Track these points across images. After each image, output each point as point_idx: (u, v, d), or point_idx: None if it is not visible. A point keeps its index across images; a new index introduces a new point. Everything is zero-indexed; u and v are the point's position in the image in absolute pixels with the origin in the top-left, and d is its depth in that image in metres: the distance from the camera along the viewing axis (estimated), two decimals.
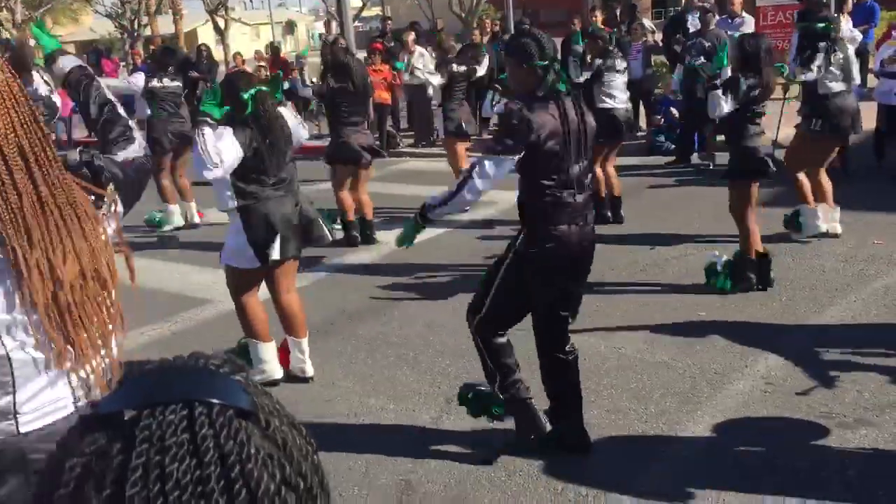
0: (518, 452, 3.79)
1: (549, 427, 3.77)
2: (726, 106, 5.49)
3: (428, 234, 7.94)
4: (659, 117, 11.14)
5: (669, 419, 4.11)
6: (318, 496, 0.72)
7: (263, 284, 4.77)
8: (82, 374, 1.74)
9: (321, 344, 5.33)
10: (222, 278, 4.86)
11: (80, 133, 16.38)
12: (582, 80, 7.66)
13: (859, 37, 10.42)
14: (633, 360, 4.82)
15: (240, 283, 4.66)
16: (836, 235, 6.72)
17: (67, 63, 2.42)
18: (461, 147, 8.67)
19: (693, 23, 11.06)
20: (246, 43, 35.04)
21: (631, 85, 9.66)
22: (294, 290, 4.85)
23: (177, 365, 0.73)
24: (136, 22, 27.61)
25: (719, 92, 5.49)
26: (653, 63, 12.03)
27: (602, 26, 10.37)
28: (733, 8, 10.85)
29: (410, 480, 3.72)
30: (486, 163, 3.49)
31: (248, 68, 16.03)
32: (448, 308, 5.82)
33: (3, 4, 27.00)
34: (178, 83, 8.83)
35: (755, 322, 5.26)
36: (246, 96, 4.43)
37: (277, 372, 4.76)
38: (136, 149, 2.11)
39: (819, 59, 6.40)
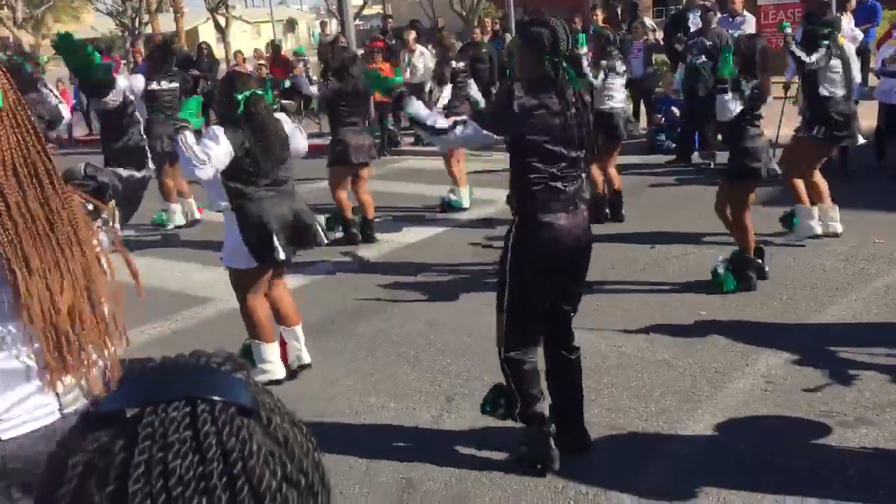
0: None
1: (557, 460, 3.69)
2: (735, 107, 5.49)
3: (428, 232, 8.00)
4: (660, 116, 11.14)
5: (670, 418, 4.11)
6: (320, 493, 0.72)
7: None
8: (76, 385, 1.73)
9: (322, 342, 5.34)
10: (224, 276, 4.87)
11: (80, 132, 16.40)
12: (599, 81, 7.58)
13: (860, 36, 10.42)
14: (633, 358, 4.82)
15: (243, 283, 4.67)
16: (836, 234, 6.72)
17: (120, 90, 2.25)
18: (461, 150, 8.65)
19: (694, 21, 11.05)
20: (247, 41, 35.05)
21: (632, 84, 9.67)
22: (282, 283, 4.93)
23: (178, 363, 0.74)
24: (137, 20, 27.58)
25: (727, 95, 5.50)
26: (654, 62, 12.03)
27: (603, 25, 10.36)
28: (734, 6, 10.84)
29: (411, 478, 3.73)
30: (471, 127, 3.60)
31: (249, 67, 16.09)
32: (449, 306, 5.83)
33: (3, 2, 26.99)
34: (175, 84, 8.78)
35: (756, 321, 5.26)
36: (240, 97, 4.45)
37: (280, 372, 4.77)
38: (145, 172, 2.09)
39: (821, 53, 6.40)
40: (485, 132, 3.58)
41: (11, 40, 25.43)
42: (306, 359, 4.93)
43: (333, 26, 18.60)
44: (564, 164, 3.53)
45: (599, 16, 11.39)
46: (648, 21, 13.21)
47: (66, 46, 2.57)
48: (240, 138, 4.40)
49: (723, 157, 7.34)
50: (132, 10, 27.49)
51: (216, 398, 0.68)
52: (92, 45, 3.03)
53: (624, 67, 8.00)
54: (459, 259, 6.93)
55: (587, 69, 7.51)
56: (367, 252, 7.45)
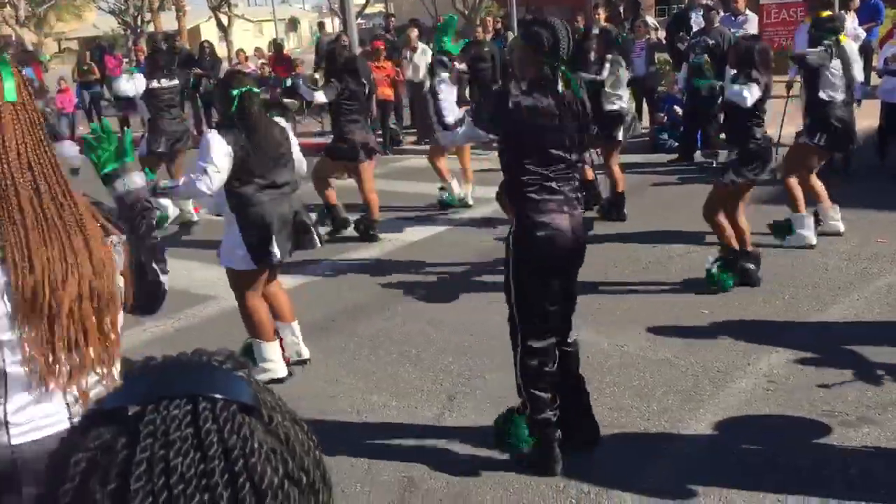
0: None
1: (559, 468, 3.66)
2: (750, 93, 5.47)
3: (430, 231, 8.00)
4: (662, 115, 11.14)
5: (672, 417, 4.11)
6: (321, 491, 0.72)
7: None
8: (75, 390, 1.73)
9: (323, 341, 5.35)
10: (225, 275, 4.87)
11: (83, 130, 16.43)
12: (603, 77, 7.57)
13: (863, 35, 10.42)
14: (635, 357, 4.82)
15: (242, 283, 4.68)
16: (838, 233, 6.71)
17: (135, 184, 2.10)
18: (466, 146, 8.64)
19: (696, 20, 11.04)
20: (249, 39, 35.07)
21: (634, 82, 9.64)
22: (277, 281, 4.95)
23: (180, 361, 0.74)
24: (139, 18, 27.61)
25: (735, 86, 5.50)
26: (656, 61, 12.02)
27: (605, 24, 10.35)
28: (737, 5, 10.82)
29: (413, 477, 3.73)
30: (468, 124, 3.72)
31: (251, 65, 16.10)
32: (450, 305, 5.83)
33: (6, 0, 27.02)
34: (175, 82, 8.79)
35: (758, 320, 5.26)
36: (234, 93, 4.47)
37: (281, 371, 4.78)
38: (161, 270, 2.06)
39: (819, 50, 6.38)
40: (479, 130, 3.65)
41: (14, 38, 25.44)
42: (305, 353, 4.95)
43: (332, 26, 18.59)
44: (561, 166, 3.52)
45: (602, 14, 11.36)
46: (651, 20, 13.19)
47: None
48: (235, 136, 4.41)
49: (725, 156, 7.34)
50: (134, 8, 27.52)
51: (218, 396, 0.68)
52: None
53: (624, 69, 7.98)
54: (461, 258, 6.93)
55: (591, 75, 7.51)
56: (368, 251, 7.45)
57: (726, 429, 3.98)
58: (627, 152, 8.78)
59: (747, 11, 11.03)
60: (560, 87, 3.49)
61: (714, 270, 5.78)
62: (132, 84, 8.56)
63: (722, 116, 6.27)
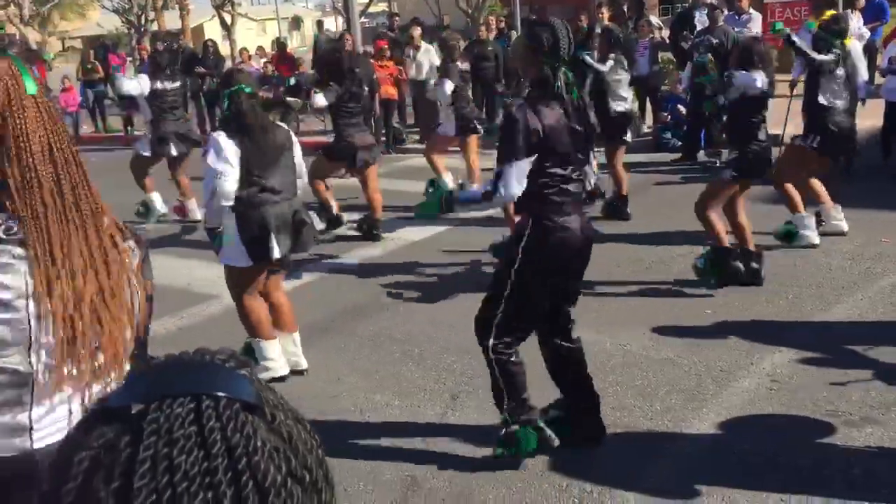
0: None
1: (556, 439, 3.69)
2: (759, 78, 5.45)
3: (431, 231, 8.00)
4: (666, 114, 11.12)
5: (675, 416, 4.11)
6: (324, 489, 0.72)
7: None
8: (89, 393, 1.73)
9: (325, 340, 5.35)
10: None
11: (86, 129, 16.44)
12: (606, 68, 7.55)
13: (867, 34, 10.39)
14: (638, 357, 4.81)
15: (239, 281, 4.68)
16: (842, 233, 6.69)
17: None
18: (474, 142, 8.62)
19: (700, 19, 11.03)
20: (252, 38, 35.09)
21: (638, 82, 9.63)
22: (281, 287, 4.96)
23: (183, 360, 0.74)
24: (142, 17, 27.62)
25: (740, 72, 5.49)
26: (660, 60, 12.00)
27: (608, 23, 10.34)
28: (741, 4, 10.80)
29: (415, 476, 3.73)
30: (506, 170, 3.48)
31: (255, 64, 16.10)
32: (452, 304, 5.83)
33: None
34: (177, 84, 8.78)
35: (761, 320, 5.25)
36: (225, 92, 4.53)
37: (283, 369, 4.78)
38: None
39: (830, 57, 6.35)
40: (517, 160, 3.45)
41: (18, 37, 25.47)
42: (303, 364, 4.91)
43: (336, 25, 18.59)
44: (573, 167, 3.57)
45: (605, 14, 11.36)
46: (654, 19, 13.18)
47: None
48: (234, 135, 4.44)
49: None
50: (138, 7, 27.52)
51: (221, 394, 0.68)
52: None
53: (625, 69, 7.97)
54: (462, 258, 6.93)
55: (594, 62, 7.49)
56: (370, 250, 7.45)
57: (729, 428, 3.97)
58: (631, 151, 8.75)
59: (751, 10, 11.01)
60: (560, 88, 3.50)
61: (700, 265, 5.79)
62: (136, 83, 8.57)
63: (725, 116, 6.27)
